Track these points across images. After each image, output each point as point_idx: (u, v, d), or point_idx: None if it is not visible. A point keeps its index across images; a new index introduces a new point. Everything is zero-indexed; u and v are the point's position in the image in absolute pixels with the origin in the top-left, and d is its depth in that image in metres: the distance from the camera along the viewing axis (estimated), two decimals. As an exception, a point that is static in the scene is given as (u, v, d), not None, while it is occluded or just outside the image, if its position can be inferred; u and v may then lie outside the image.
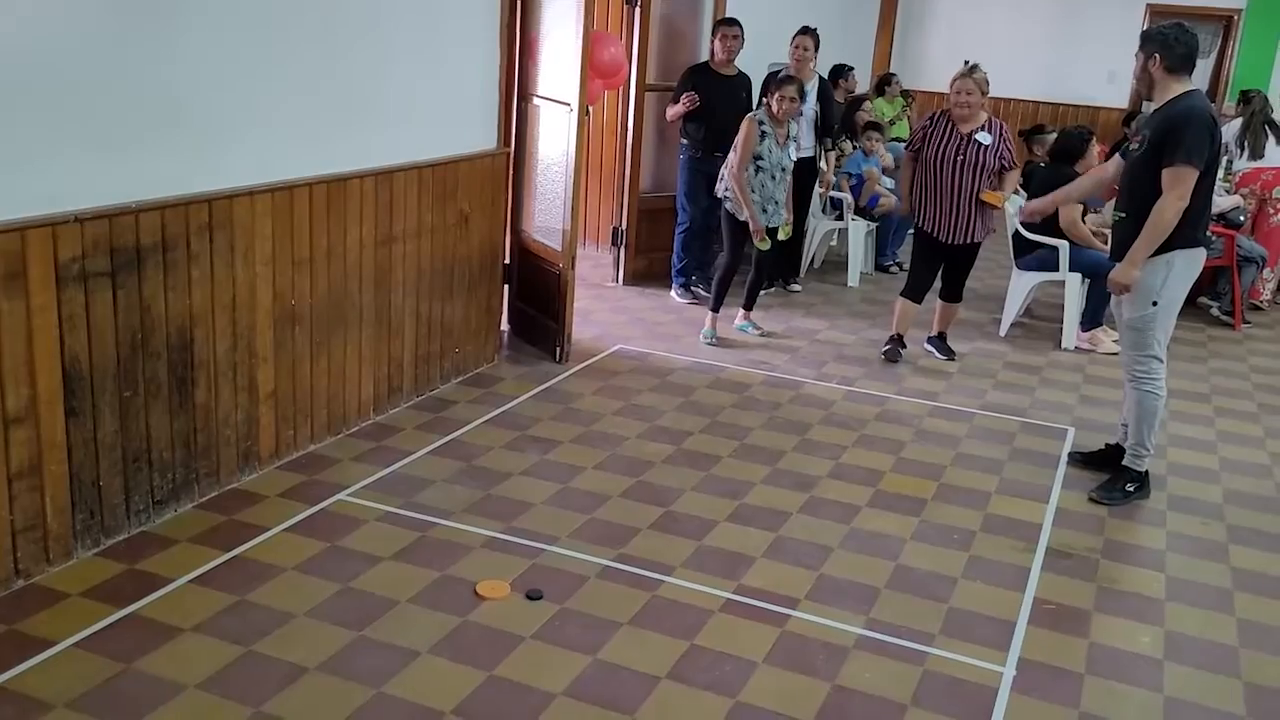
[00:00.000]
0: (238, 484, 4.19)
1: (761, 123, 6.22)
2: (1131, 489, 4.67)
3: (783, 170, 6.31)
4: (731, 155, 6.30)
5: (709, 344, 6.39)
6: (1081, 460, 5.01)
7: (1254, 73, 12.15)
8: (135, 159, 3.57)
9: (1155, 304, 4.50)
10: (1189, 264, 4.50)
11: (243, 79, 3.93)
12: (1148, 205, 4.37)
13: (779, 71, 7.45)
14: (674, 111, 7.16)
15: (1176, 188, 4.32)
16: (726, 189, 6.36)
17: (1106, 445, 5.02)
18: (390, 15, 4.62)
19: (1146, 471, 4.73)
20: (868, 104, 8.93)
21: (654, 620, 3.49)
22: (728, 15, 7.49)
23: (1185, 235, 4.40)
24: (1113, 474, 4.75)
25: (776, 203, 6.35)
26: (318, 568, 3.67)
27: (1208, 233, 4.63)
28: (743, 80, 7.28)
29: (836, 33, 10.27)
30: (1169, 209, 4.34)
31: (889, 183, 8.41)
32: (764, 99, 7.32)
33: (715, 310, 6.52)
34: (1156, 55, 4.44)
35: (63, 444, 3.45)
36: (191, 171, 3.78)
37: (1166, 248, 4.40)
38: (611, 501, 4.31)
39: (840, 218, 8.31)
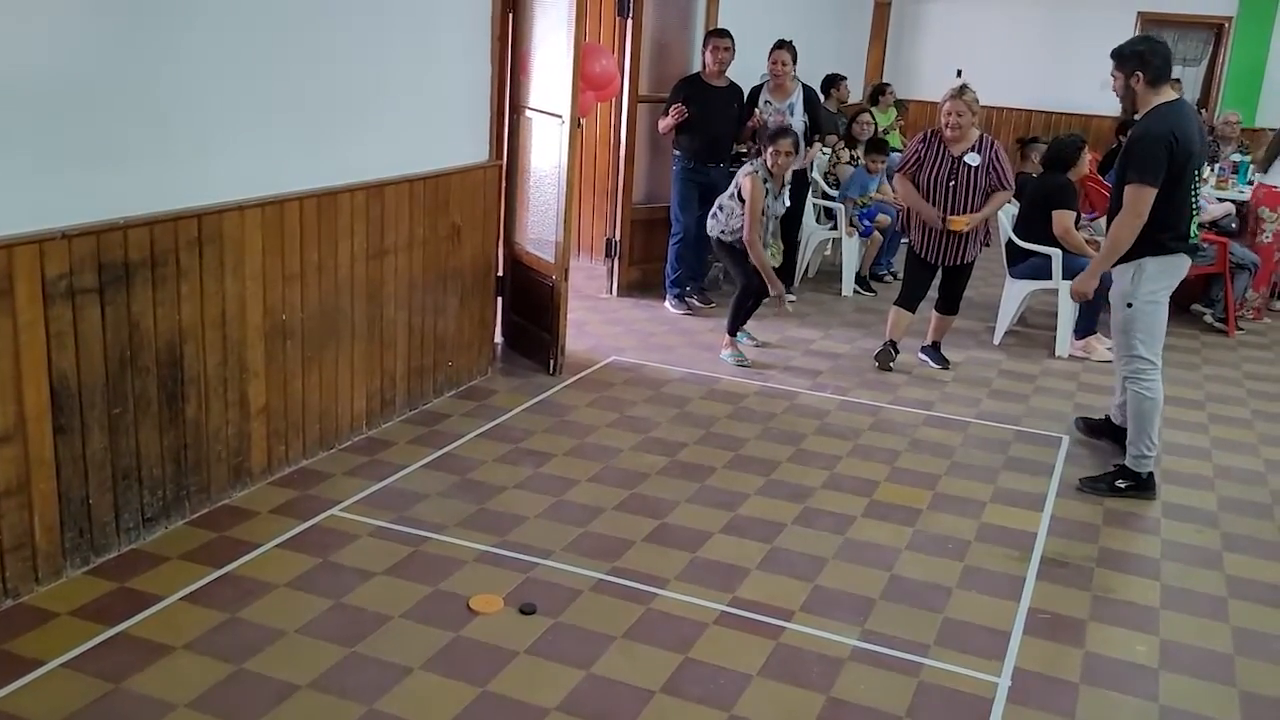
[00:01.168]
0: (229, 500, 4.17)
1: (766, 181, 6.13)
2: (1122, 485, 4.78)
3: (775, 218, 6.30)
4: (726, 199, 6.25)
5: (739, 365, 6.27)
6: (1085, 429, 5.40)
7: (1245, 80, 12.19)
8: (123, 174, 3.56)
9: (1130, 306, 4.67)
10: (1162, 270, 4.63)
11: (232, 92, 3.92)
12: (1112, 210, 4.65)
13: (766, 83, 7.45)
14: (665, 124, 7.17)
15: (1133, 206, 4.52)
16: (723, 230, 6.26)
17: (1106, 417, 5.36)
18: (381, 28, 4.62)
19: (1151, 474, 4.80)
20: (865, 116, 8.91)
21: (648, 633, 3.47)
22: (719, 27, 7.49)
23: (1154, 242, 4.55)
24: (1113, 470, 4.86)
25: (765, 245, 6.31)
26: (310, 584, 3.65)
27: (1191, 240, 4.71)
28: (734, 91, 7.29)
29: (830, 43, 10.32)
30: (1125, 226, 4.55)
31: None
32: (754, 109, 7.36)
33: (733, 334, 6.44)
34: (1139, 72, 4.56)
35: (51, 461, 3.43)
36: (180, 186, 3.77)
37: (1135, 255, 4.58)
38: (605, 514, 4.29)
39: (835, 228, 8.31)
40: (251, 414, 4.22)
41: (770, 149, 6.12)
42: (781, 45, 7.31)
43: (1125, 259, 4.61)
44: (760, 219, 6.11)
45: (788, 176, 6.39)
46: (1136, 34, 4.83)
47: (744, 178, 6.15)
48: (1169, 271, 4.65)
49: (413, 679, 3.17)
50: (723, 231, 6.27)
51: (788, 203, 6.42)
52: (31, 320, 3.29)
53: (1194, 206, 4.68)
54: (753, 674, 3.29)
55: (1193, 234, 4.70)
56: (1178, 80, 9.98)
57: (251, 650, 3.25)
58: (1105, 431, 5.33)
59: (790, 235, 7.63)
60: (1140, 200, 4.49)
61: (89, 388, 3.51)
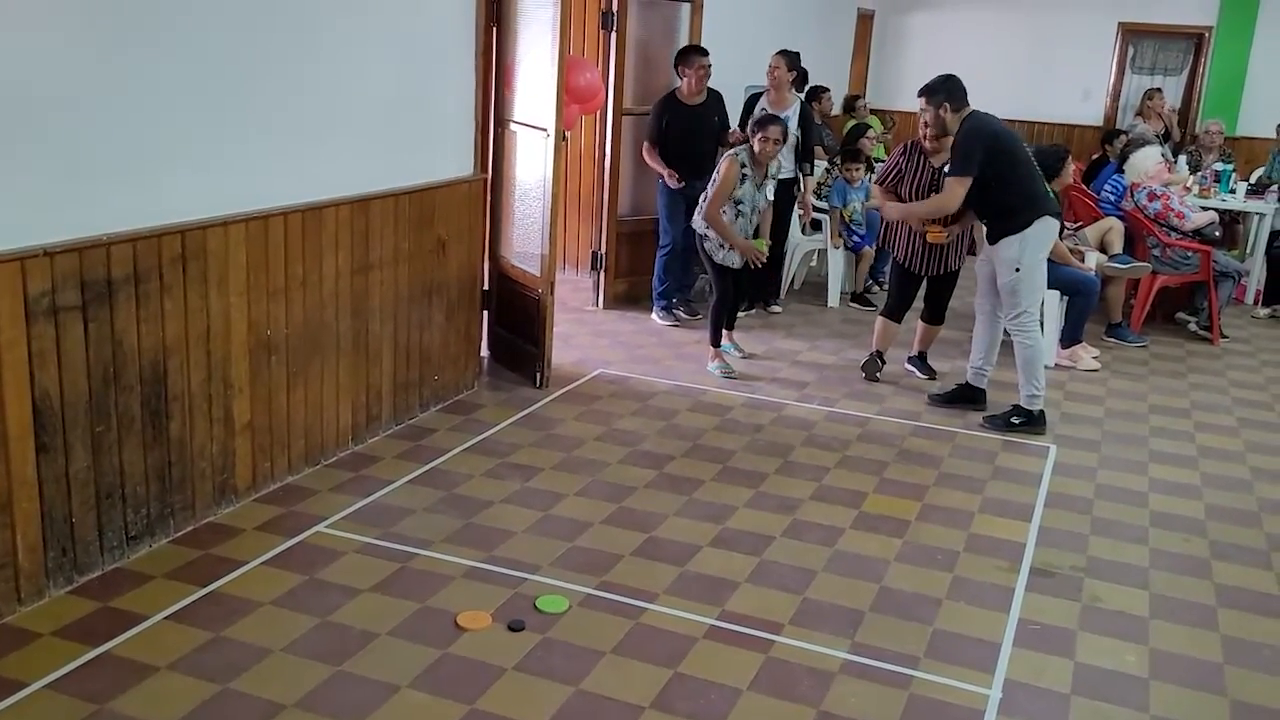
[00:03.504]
0: (214, 517, 4.14)
1: (743, 165, 6.14)
2: (1017, 421, 5.59)
3: (759, 210, 6.29)
4: (710, 189, 6.24)
5: (726, 377, 6.27)
6: (942, 400, 5.98)
7: (1226, 89, 12.28)
8: (106, 190, 3.54)
9: (1018, 270, 5.46)
10: (1041, 234, 5.46)
11: (215, 108, 3.91)
12: (978, 203, 5.56)
13: (759, 94, 7.47)
14: (664, 172, 7.10)
15: (951, 190, 5.51)
16: (707, 226, 6.30)
17: (957, 385, 6.04)
18: (364, 43, 4.61)
19: (1042, 411, 5.62)
20: (872, 131, 8.90)
21: (637, 649, 3.45)
22: (698, 44, 7.47)
23: (1023, 218, 5.42)
24: (1010, 409, 5.66)
25: (749, 238, 6.31)
26: (295, 601, 3.62)
27: (1051, 204, 5.62)
28: (713, 101, 7.26)
29: (813, 55, 10.32)
30: (930, 203, 5.74)
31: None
32: (745, 128, 7.35)
33: (716, 345, 6.46)
34: (946, 104, 5.54)
35: (33, 480, 3.39)
36: (163, 202, 3.75)
37: (1017, 229, 5.42)
38: (593, 528, 4.27)
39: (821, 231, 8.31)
40: (236, 430, 4.19)
41: (759, 135, 6.12)
42: (779, 53, 7.33)
43: (1009, 233, 5.43)
44: (727, 197, 6.12)
45: (773, 170, 6.40)
46: (941, 74, 5.68)
47: (723, 161, 6.19)
48: (1046, 233, 5.51)
49: (400, 697, 3.14)
50: (708, 227, 6.26)
51: (770, 196, 6.40)
52: (13, 338, 3.26)
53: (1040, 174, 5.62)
54: (742, 688, 3.27)
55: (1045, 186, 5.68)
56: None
57: (237, 670, 3.22)
58: (961, 397, 5.95)
59: (775, 248, 7.64)
60: (958, 186, 5.45)
61: (72, 405, 3.48)
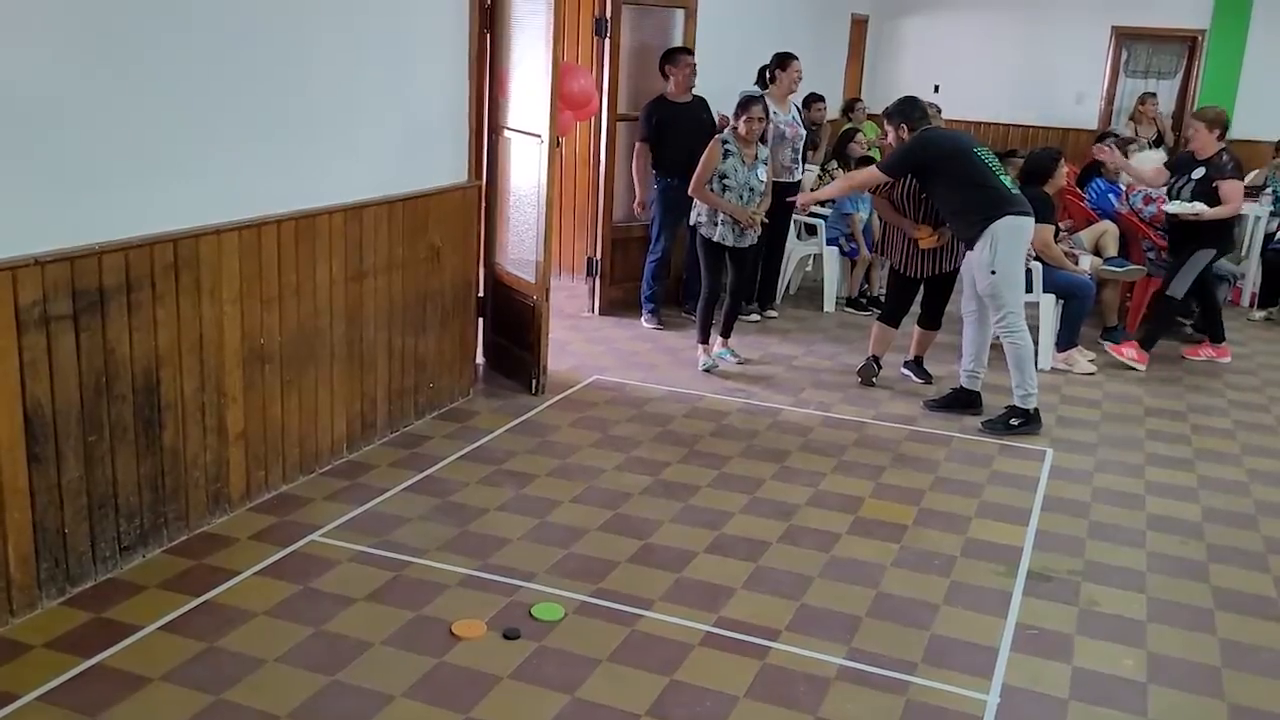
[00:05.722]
0: (207, 527, 4.12)
1: (726, 142, 6.31)
2: (1016, 423, 5.63)
3: (751, 191, 6.32)
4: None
5: (704, 370, 6.41)
6: (938, 405, 5.98)
7: (1219, 92, 12.28)
8: (97, 199, 3.53)
9: (994, 272, 5.54)
10: (1010, 233, 5.53)
11: (207, 115, 3.89)
12: (941, 203, 5.82)
13: (764, 96, 7.47)
14: (640, 191, 7.21)
15: (868, 173, 6.06)
16: (699, 214, 6.37)
17: (952, 390, 6.06)
18: (357, 50, 4.60)
19: (1037, 409, 5.66)
20: (861, 136, 8.91)
21: (633, 656, 3.43)
22: (684, 45, 7.50)
23: (986, 217, 5.51)
24: (1005, 411, 5.70)
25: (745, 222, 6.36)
26: (289, 611, 3.60)
27: (1018, 203, 5.63)
28: (699, 103, 7.30)
29: (807, 60, 10.32)
30: (850, 179, 6.59)
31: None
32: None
33: (705, 341, 6.52)
34: (903, 124, 5.87)
35: (25, 490, 3.37)
36: (155, 210, 3.74)
37: (980, 231, 5.52)
38: (589, 535, 4.26)
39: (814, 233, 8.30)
40: (230, 439, 4.18)
41: (743, 116, 6.28)
42: (797, 56, 7.47)
43: (978, 238, 5.53)
44: (710, 173, 6.30)
45: (762, 154, 6.45)
46: (896, 101, 6.06)
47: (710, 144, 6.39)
48: (1015, 233, 5.55)
49: (395, 707, 3.12)
50: (699, 214, 6.41)
51: (763, 178, 6.43)
52: (5, 348, 3.25)
53: (999, 176, 5.65)
54: (739, 695, 3.26)
55: (1009, 188, 5.71)
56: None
57: (230, 680, 3.20)
58: (957, 401, 5.97)
59: (773, 252, 7.67)
60: (872, 174, 5.98)
61: (64, 415, 3.46)
